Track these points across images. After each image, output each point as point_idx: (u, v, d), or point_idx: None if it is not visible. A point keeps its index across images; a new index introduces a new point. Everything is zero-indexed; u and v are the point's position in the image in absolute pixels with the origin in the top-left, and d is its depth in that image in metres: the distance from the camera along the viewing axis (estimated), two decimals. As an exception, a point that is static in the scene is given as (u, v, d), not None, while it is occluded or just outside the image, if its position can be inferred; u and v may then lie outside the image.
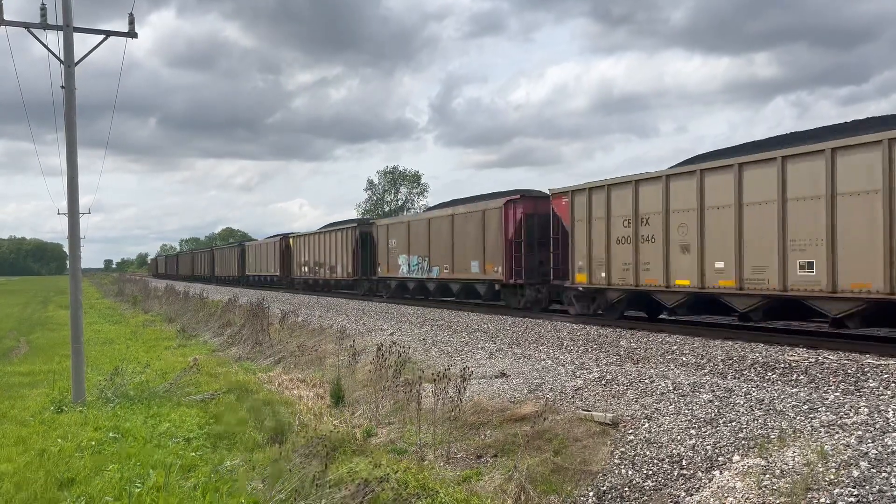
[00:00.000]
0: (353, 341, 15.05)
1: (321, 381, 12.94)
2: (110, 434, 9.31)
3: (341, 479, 7.22)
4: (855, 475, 5.67)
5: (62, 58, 11.88)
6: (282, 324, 20.25)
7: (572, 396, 9.26)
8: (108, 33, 12.48)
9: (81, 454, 8.40)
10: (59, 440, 9.04)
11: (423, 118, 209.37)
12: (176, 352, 19.08)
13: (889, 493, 5.35)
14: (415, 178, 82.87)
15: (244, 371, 14.93)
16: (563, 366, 11.03)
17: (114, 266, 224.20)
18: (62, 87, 11.96)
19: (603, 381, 9.63)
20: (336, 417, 10.18)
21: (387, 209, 79.08)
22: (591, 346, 12.75)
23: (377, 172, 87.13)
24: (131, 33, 12.55)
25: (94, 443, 8.87)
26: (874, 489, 5.44)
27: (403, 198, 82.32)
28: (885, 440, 6.16)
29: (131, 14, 12.52)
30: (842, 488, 5.55)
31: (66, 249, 13.82)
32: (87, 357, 14.22)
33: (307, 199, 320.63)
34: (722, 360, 10.55)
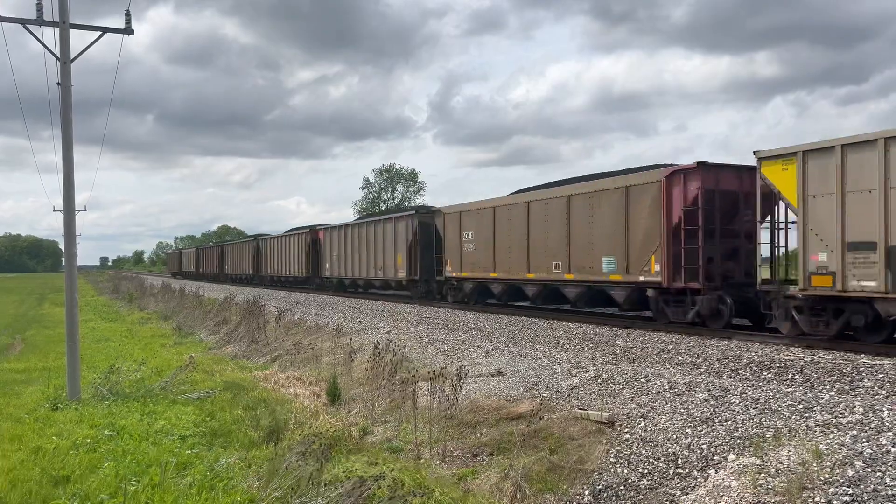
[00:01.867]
0: (350, 339, 15.04)
1: (317, 380, 12.94)
2: (106, 432, 9.29)
3: (337, 478, 7.21)
4: (850, 474, 5.69)
5: (58, 54, 11.84)
6: (278, 322, 20.23)
7: (568, 395, 9.27)
8: (105, 30, 12.43)
9: (76, 452, 8.38)
10: (54, 438, 9.02)
11: (423, 116, 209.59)
12: (172, 349, 19.06)
13: (884, 493, 5.37)
14: (411, 177, 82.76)
15: (240, 369, 14.92)
16: (560, 364, 11.04)
17: (109, 263, 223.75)
18: (58, 83, 11.92)
19: (599, 380, 9.64)
20: (332, 415, 10.17)
21: (383, 207, 78.90)
22: (588, 345, 12.76)
23: (373, 171, 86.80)
24: (128, 30, 12.50)
25: (89, 440, 8.85)
26: (869, 488, 5.45)
27: (400, 196, 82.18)
28: (880, 439, 6.18)
29: (128, 11, 12.48)
30: (837, 487, 5.57)
31: (62, 246, 13.75)
32: (83, 355, 14.18)
33: (305, 196, 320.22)
34: (718, 359, 10.57)
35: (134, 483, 7.05)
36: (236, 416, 10.21)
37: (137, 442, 8.81)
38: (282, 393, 12.03)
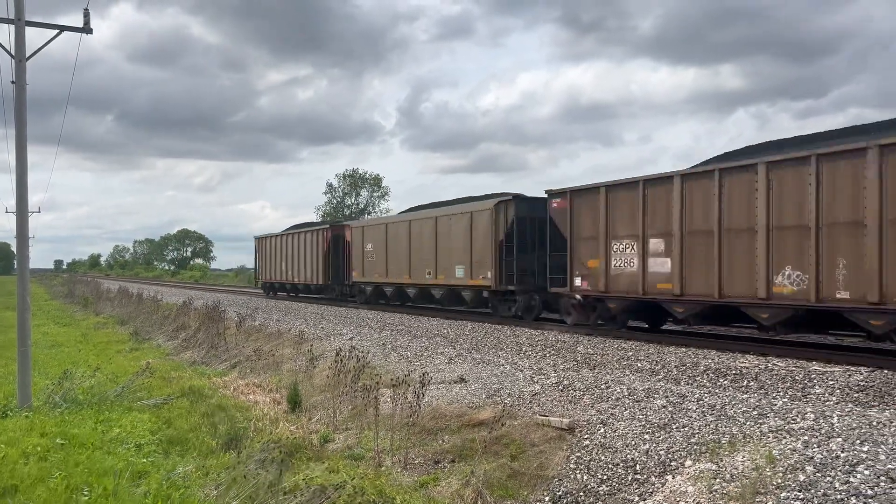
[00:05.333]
0: (311, 346, 14.90)
1: (278, 386, 12.79)
2: (57, 440, 9.03)
3: (297, 486, 7.13)
4: (801, 479, 5.83)
5: (13, 52, 11.53)
6: (239, 328, 19.94)
7: (530, 401, 9.33)
8: (62, 28, 12.14)
9: (26, 461, 8.13)
10: (2, 446, 8.73)
11: (391, 121, 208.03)
12: (128, 355, 18.65)
13: (833, 497, 5.51)
14: (376, 181, 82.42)
15: (198, 375, 14.66)
16: (522, 371, 11.10)
17: (64, 266, 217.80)
18: (12, 82, 11.61)
19: (560, 387, 9.72)
20: (293, 423, 10.06)
21: (347, 212, 78.48)
22: (549, 352, 12.86)
23: (336, 175, 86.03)
24: (86, 29, 12.23)
25: (39, 449, 8.59)
26: (819, 493, 5.60)
27: (364, 201, 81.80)
28: (830, 445, 6.35)
29: (86, 9, 12.21)
30: (788, 492, 5.70)
31: (14, 249, 13.37)
32: (35, 360, 13.78)
33: (270, 200, 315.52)
34: (675, 366, 10.76)
35: (86, 494, 6.88)
36: (194, 424, 10.03)
37: (91, 451, 8.58)
38: (241, 400, 11.86)
